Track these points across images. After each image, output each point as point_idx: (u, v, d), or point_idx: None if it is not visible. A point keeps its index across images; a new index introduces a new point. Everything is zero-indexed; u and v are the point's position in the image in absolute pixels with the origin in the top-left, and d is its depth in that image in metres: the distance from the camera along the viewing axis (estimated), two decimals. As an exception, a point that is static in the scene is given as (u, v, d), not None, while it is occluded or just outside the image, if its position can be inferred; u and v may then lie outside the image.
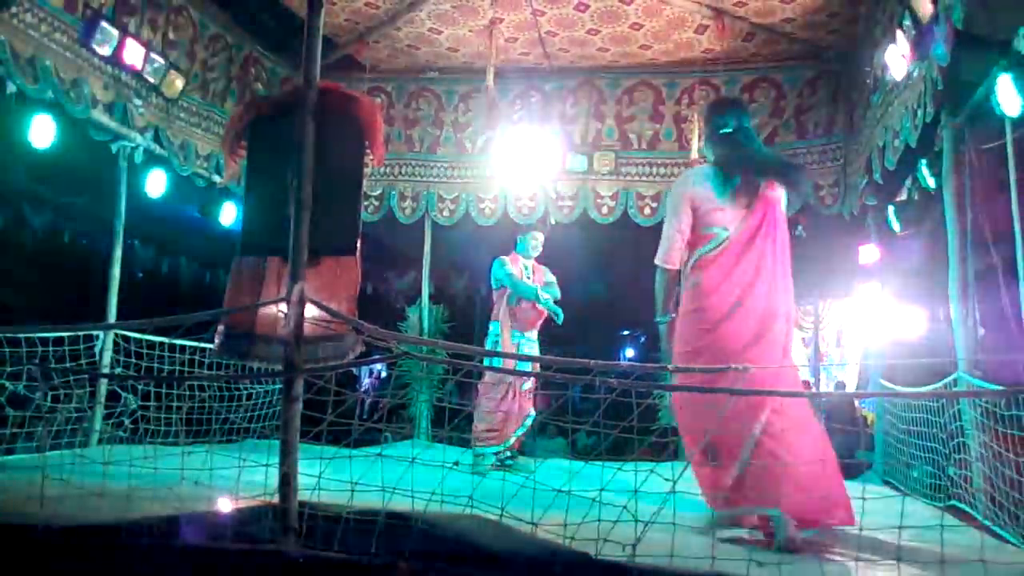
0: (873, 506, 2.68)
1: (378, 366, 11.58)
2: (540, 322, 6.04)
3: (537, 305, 5.90)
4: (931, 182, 5.47)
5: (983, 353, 4.48)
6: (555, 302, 5.96)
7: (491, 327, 6.00)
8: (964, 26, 3.67)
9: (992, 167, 4.52)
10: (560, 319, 5.95)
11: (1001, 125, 4.21)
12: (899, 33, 4.47)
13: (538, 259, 6.22)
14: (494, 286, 6.04)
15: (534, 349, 6.02)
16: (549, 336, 6.45)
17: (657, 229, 7.08)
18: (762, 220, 3.49)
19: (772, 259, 3.47)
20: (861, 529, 2.58)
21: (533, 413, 5.82)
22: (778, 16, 6.19)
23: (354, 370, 10.87)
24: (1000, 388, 3.82)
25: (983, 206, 4.61)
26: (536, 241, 6.15)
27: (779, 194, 3.62)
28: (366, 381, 11.80)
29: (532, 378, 5.66)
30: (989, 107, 4.10)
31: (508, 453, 5.66)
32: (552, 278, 6.15)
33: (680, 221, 3.61)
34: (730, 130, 3.64)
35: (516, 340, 5.92)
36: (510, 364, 5.32)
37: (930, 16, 4.04)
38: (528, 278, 6.02)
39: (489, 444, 5.63)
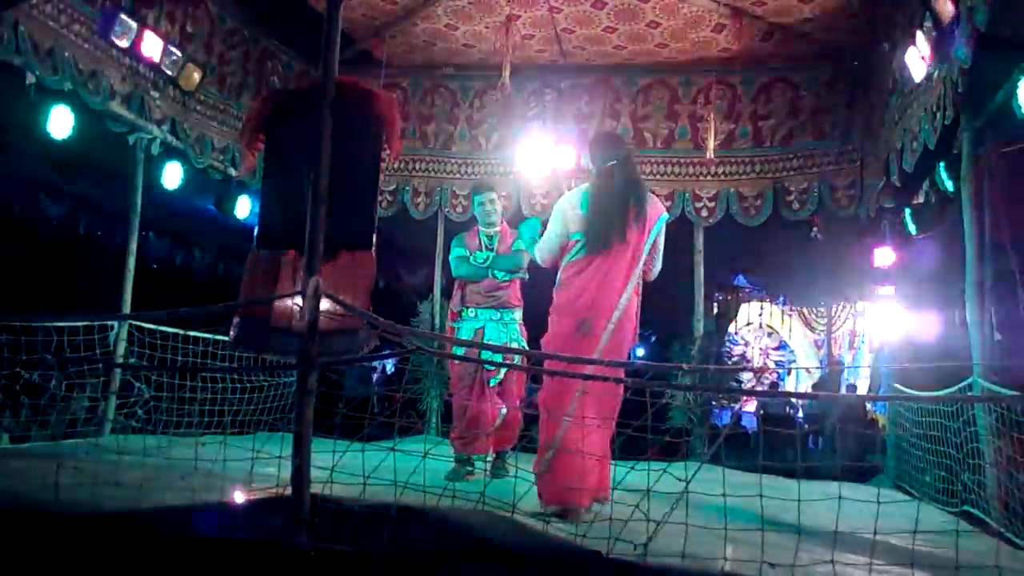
0: (886, 510, 2.66)
1: (387, 362, 11.60)
2: (502, 293, 5.03)
3: (495, 279, 5.01)
4: (949, 185, 5.42)
5: (999, 357, 4.44)
6: (514, 270, 5.03)
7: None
8: (987, 28, 3.64)
9: (1011, 170, 4.49)
10: (517, 276, 5.06)
11: (1022, 128, 4.17)
12: (919, 34, 4.44)
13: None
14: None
15: (503, 332, 5.02)
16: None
17: (670, 227, 7.13)
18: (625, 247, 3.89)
19: (619, 271, 3.86)
20: (875, 533, 2.56)
21: (504, 409, 4.85)
22: (796, 16, 6.16)
23: (365, 365, 10.89)
24: (1016, 393, 3.79)
25: (1001, 209, 4.57)
26: (485, 206, 5.09)
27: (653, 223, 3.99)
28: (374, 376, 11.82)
29: (502, 369, 4.82)
30: (1010, 110, 4.06)
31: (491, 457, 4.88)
32: (522, 244, 4.91)
33: (555, 227, 4.03)
34: (614, 162, 3.97)
35: (480, 321, 5.01)
36: (473, 352, 4.74)
37: (951, 17, 4.00)
38: (491, 248, 5.06)
39: (464, 451, 4.82)
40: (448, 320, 5.33)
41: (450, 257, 5.19)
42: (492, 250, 5.07)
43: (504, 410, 4.84)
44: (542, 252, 4.11)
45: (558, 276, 3.99)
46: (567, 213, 3.99)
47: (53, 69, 4.78)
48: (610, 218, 3.88)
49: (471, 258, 5.06)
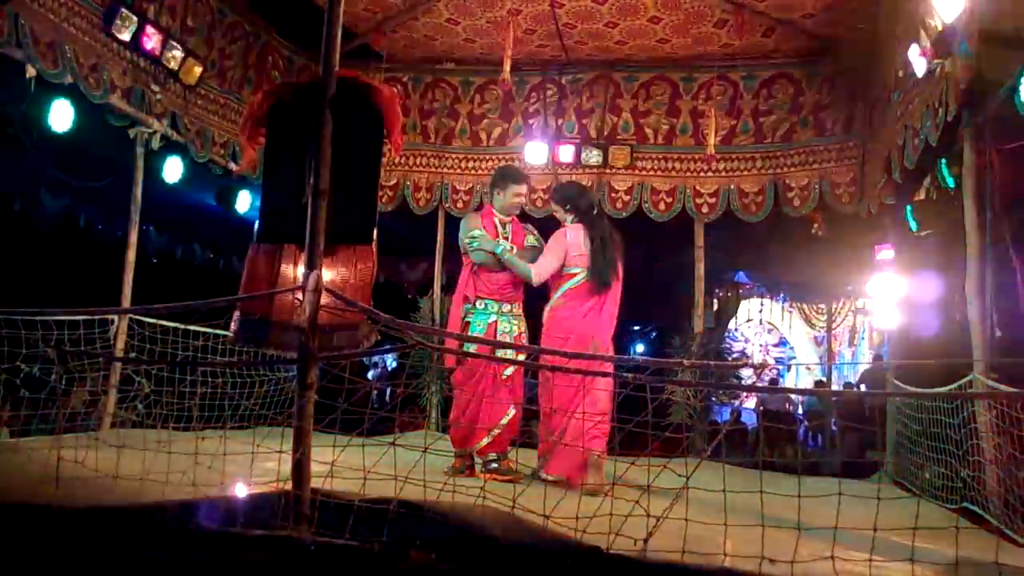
0: (886, 507, 2.66)
1: (388, 358, 11.60)
2: (515, 289, 4.90)
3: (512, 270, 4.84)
4: (950, 181, 5.41)
5: (999, 354, 4.44)
6: (523, 271, 4.80)
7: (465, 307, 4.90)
8: (989, 24, 3.63)
9: (1013, 167, 4.48)
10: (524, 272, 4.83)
11: (1024, 125, 4.16)
12: (921, 30, 4.42)
13: (522, 219, 5.14)
14: (462, 251, 4.97)
15: (515, 326, 4.90)
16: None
17: (672, 223, 7.14)
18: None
19: (602, 303, 4.70)
20: (875, 530, 2.56)
21: (512, 410, 4.68)
22: (798, 12, 6.15)
23: (365, 360, 10.88)
24: (1016, 390, 3.78)
25: (1003, 206, 4.56)
26: (519, 198, 4.97)
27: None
28: (371, 373, 11.81)
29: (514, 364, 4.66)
30: (1012, 106, 4.04)
31: (493, 456, 4.68)
32: (536, 241, 4.99)
33: (557, 259, 4.76)
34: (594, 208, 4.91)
35: (492, 314, 4.84)
36: (485, 350, 4.55)
37: (954, 13, 3.99)
38: (506, 238, 4.89)
39: (464, 447, 4.79)
40: (454, 306, 5.00)
41: (469, 237, 4.84)
42: (508, 239, 4.89)
43: (512, 411, 4.67)
44: (540, 275, 4.74)
45: (556, 300, 4.73)
46: (570, 250, 4.68)
47: (54, 63, 4.77)
48: (611, 260, 4.67)
49: (493, 245, 4.82)
